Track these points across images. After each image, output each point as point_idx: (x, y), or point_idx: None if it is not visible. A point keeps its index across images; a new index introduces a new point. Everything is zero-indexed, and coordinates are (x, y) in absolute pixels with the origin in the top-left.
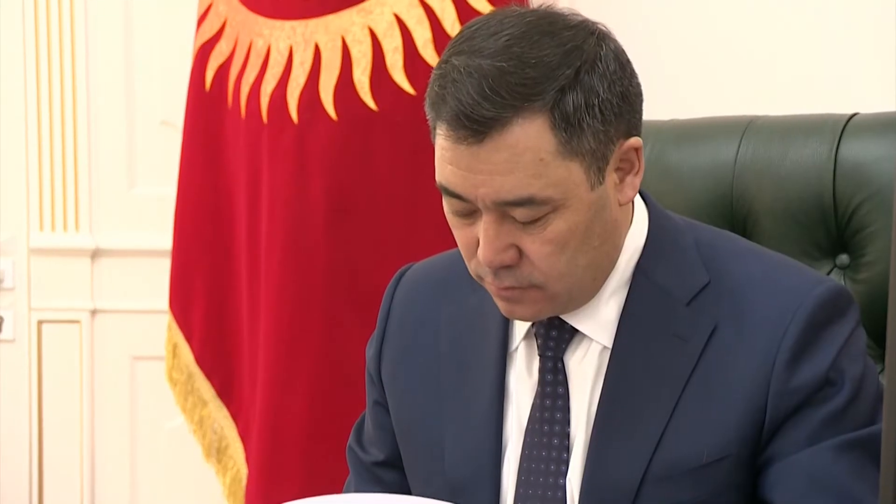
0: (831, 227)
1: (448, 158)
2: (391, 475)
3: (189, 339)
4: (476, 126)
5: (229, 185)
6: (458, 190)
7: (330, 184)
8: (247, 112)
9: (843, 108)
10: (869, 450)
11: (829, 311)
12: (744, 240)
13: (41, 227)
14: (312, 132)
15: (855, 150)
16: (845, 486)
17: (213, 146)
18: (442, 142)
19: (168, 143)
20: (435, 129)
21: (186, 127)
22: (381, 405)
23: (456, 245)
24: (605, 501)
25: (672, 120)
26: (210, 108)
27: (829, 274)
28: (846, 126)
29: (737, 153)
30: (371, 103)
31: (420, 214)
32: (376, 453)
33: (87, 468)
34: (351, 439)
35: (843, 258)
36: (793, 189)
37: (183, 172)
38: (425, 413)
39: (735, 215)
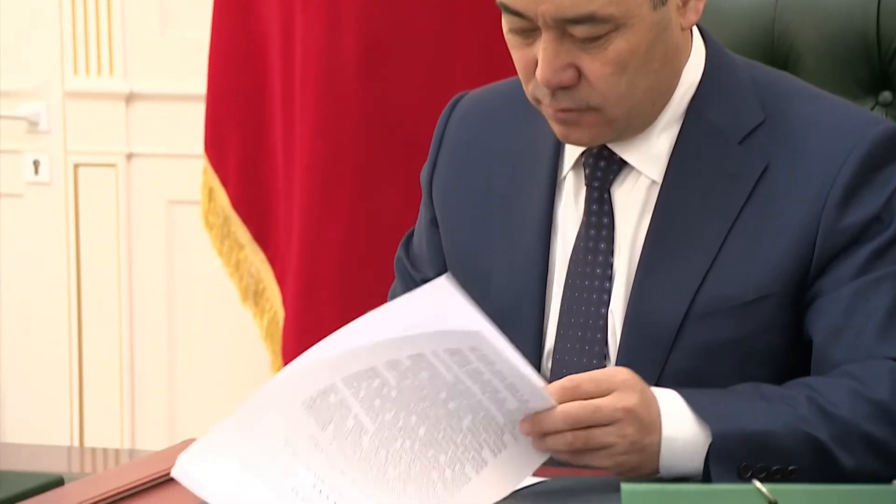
0: (874, 63)
1: None
2: None
3: (224, 182)
4: None
5: (263, 27)
6: (519, 7)
7: (363, 27)
8: None
9: None
10: None
11: (885, 152)
12: (802, 81)
13: (75, 71)
14: None
15: None
16: (882, 314)
17: None
18: None
19: None
20: None
21: None
22: (436, 225)
23: (495, 80)
24: (647, 336)
25: None
26: None
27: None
28: None
29: None
30: None
31: (455, 57)
32: (426, 271)
33: (126, 310)
34: (400, 251)
35: (886, 95)
36: (836, 25)
37: (216, 15)
38: (474, 241)
39: (776, 52)
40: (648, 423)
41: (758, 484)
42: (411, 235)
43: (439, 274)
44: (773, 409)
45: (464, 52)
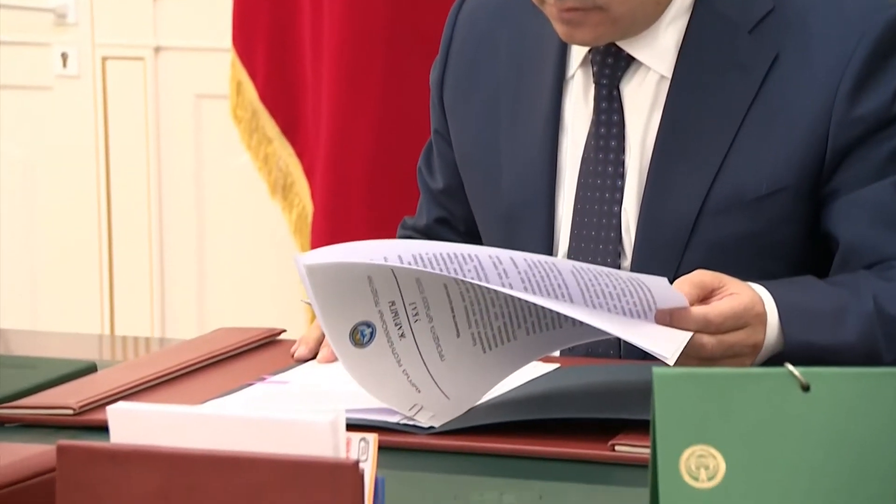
0: None
1: None
2: (453, 203)
3: (253, 76)
4: None
5: None
6: None
7: None
8: None
9: None
10: None
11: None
12: None
13: None
14: None
15: None
16: None
17: None
18: None
19: None
20: None
21: None
22: (441, 135)
23: None
24: (662, 233)
25: None
26: None
27: None
28: None
29: None
30: None
31: None
32: (439, 180)
33: (155, 203)
34: (421, 160)
35: None
36: None
37: None
38: (484, 139)
39: None
40: (762, 350)
41: (790, 367)
42: (432, 143)
43: (447, 185)
44: (849, 315)
45: None
